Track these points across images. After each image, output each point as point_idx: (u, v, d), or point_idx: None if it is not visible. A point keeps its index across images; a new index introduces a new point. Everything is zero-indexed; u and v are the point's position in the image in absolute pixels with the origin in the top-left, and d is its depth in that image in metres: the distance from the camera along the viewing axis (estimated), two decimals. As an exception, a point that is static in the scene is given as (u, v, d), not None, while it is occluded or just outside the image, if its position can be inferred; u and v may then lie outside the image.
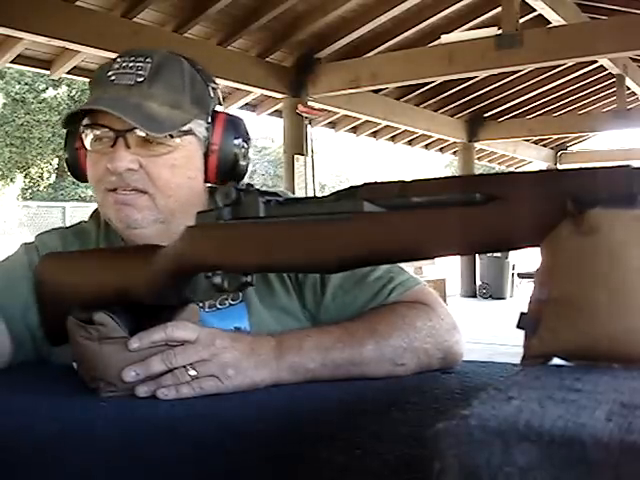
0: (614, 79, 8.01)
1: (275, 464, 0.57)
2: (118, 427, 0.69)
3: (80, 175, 1.03)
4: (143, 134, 0.94)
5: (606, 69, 7.60)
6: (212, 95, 1.02)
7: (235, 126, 1.02)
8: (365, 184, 0.66)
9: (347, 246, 0.66)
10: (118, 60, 0.98)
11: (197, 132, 0.98)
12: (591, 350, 0.44)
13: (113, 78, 0.96)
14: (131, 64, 0.96)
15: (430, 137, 9.82)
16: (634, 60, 7.53)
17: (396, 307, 0.93)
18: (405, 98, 7.92)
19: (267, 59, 5.87)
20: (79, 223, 1.13)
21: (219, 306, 1.01)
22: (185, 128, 0.97)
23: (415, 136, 9.69)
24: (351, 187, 0.67)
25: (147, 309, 0.84)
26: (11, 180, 20.64)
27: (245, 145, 1.02)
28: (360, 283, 0.97)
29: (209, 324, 0.93)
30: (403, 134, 9.45)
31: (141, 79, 0.95)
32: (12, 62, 4.82)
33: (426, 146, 10.48)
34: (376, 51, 6.23)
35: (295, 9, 5.31)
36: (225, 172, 1.01)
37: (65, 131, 1.04)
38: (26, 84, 19.71)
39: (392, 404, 0.71)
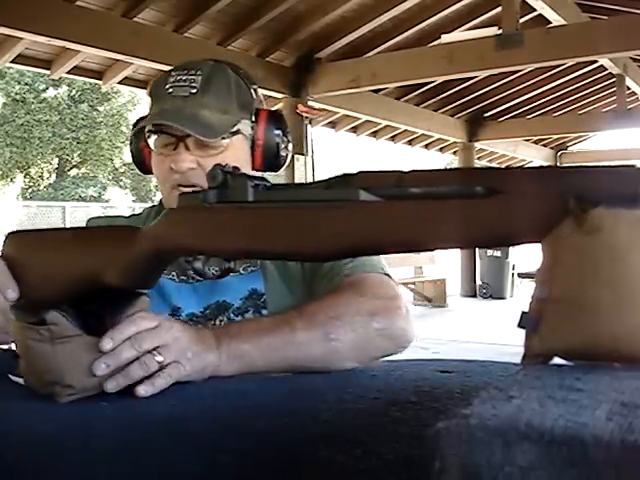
0: (614, 79, 8.01)
1: (275, 464, 0.57)
2: (117, 427, 0.68)
3: (143, 169, 1.21)
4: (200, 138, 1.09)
5: (606, 69, 7.60)
6: (254, 96, 1.17)
7: (275, 121, 1.17)
8: (360, 172, 0.64)
9: (340, 235, 0.64)
10: (173, 74, 1.13)
11: (244, 131, 1.13)
12: (592, 349, 0.44)
13: (170, 91, 1.11)
14: (185, 77, 1.11)
15: (430, 137, 9.83)
16: (634, 60, 7.53)
17: (335, 291, 0.99)
18: (405, 98, 7.92)
19: (267, 59, 5.87)
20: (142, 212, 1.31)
21: (241, 271, 1.15)
22: (234, 129, 1.12)
23: (415, 136, 9.70)
24: (345, 174, 0.65)
25: (94, 303, 0.81)
26: (11, 180, 20.65)
27: (285, 137, 1.18)
28: (335, 265, 1.07)
29: (230, 285, 1.11)
30: (403, 134, 9.46)
31: (194, 90, 1.10)
32: (12, 62, 4.82)
33: (426, 146, 10.48)
34: (376, 51, 6.23)
35: (295, 9, 5.31)
36: (269, 162, 1.17)
37: (131, 131, 1.21)
38: (26, 84, 19.72)
39: (392, 404, 0.71)
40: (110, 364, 0.76)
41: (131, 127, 1.21)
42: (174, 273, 1.17)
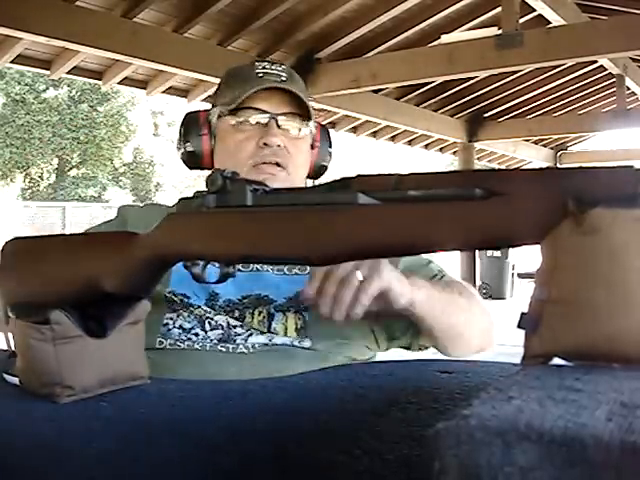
0: (614, 79, 8.01)
1: (275, 464, 0.57)
2: (118, 427, 0.68)
3: (199, 161, 1.22)
4: (287, 123, 1.16)
5: (606, 69, 7.59)
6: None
7: (327, 132, 1.26)
8: (359, 175, 0.64)
9: (340, 239, 0.64)
10: (256, 64, 1.18)
11: (312, 129, 1.20)
12: (591, 350, 0.44)
13: (261, 75, 1.16)
14: (270, 68, 1.17)
15: (430, 137, 9.81)
16: (634, 60, 7.53)
17: (457, 284, 1.13)
18: (405, 98, 7.92)
19: (267, 59, 5.86)
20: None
21: (286, 272, 1.15)
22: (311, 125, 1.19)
23: (415, 136, 9.69)
24: (343, 178, 0.65)
25: (95, 307, 0.80)
26: (11, 180, 20.64)
27: (331, 150, 1.26)
28: (423, 268, 1.16)
29: (274, 282, 1.12)
30: (403, 134, 9.45)
31: (285, 79, 1.16)
32: (12, 62, 4.81)
33: (426, 146, 10.47)
34: (376, 51, 6.23)
35: (295, 9, 5.31)
36: (319, 167, 1.24)
37: (182, 123, 1.22)
38: (26, 84, 19.70)
39: (392, 404, 0.71)
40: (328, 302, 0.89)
41: (182, 120, 1.22)
42: None
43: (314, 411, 0.71)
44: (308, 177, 1.22)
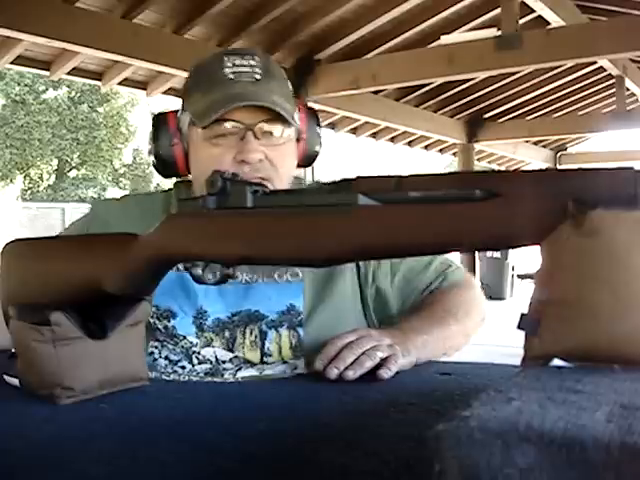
0: (614, 80, 8.01)
1: (275, 465, 0.57)
2: (117, 429, 0.68)
3: (170, 171, 1.08)
4: (267, 127, 1.01)
5: (606, 70, 7.59)
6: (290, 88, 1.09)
7: (314, 116, 1.11)
8: (359, 177, 0.64)
9: (339, 240, 0.64)
10: (225, 59, 1.04)
11: (296, 121, 1.05)
12: (592, 351, 0.44)
13: (232, 77, 1.02)
14: (242, 62, 1.03)
15: (430, 138, 9.81)
16: (634, 61, 7.53)
17: (451, 291, 1.13)
18: (405, 99, 7.91)
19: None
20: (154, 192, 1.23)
21: (277, 279, 1.08)
22: (295, 118, 1.04)
23: (415, 137, 9.69)
24: (344, 179, 0.65)
25: (95, 308, 0.81)
26: (11, 181, 20.63)
27: (320, 133, 1.12)
28: (421, 273, 1.12)
29: (265, 294, 1.05)
30: (403, 135, 9.44)
31: (259, 76, 1.02)
32: (12, 63, 4.81)
33: (426, 147, 10.47)
34: (376, 52, 6.22)
35: (295, 10, 5.31)
36: (309, 156, 1.11)
37: (152, 130, 1.08)
38: (26, 85, 19.70)
39: (392, 405, 0.71)
40: (339, 367, 0.86)
41: (152, 124, 1.07)
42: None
43: (314, 413, 0.71)
44: (299, 166, 1.11)
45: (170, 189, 1.15)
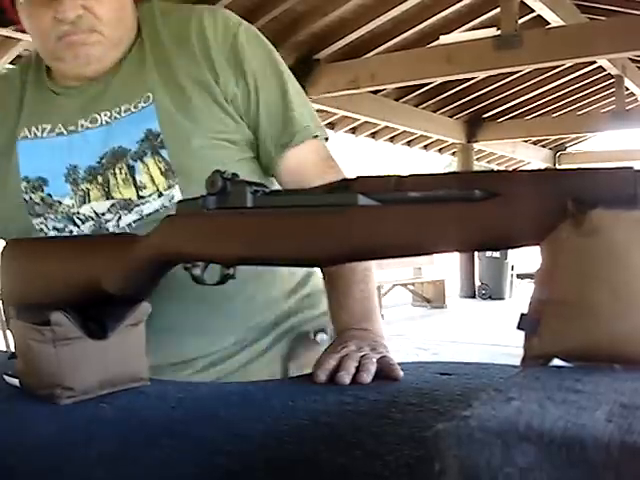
0: (613, 80, 8.02)
1: (275, 465, 0.57)
2: (117, 429, 0.69)
3: (5, 16, 1.05)
4: None
5: (605, 70, 7.61)
6: None
7: None
8: (359, 177, 0.64)
9: (340, 240, 0.64)
10: None
11: None
12: (591, 351, 0.44)
13: None
14: None
15: (429, 138, 9.83)
16: (633, 61, 7.54)
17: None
18: (404, 99, 7.93)
19: None
20: None
21: (133, 110, 1.05)
22: None
23: (414, 137, 9.71)
24: (344, 180, 0.66)
25: (95, 309, 0.81)
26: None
27: None
28: (286, 118, 1.09)
29: (123, 128, 1.04)
30: (402, 135, 9.46)
31: None
32: (11, 63, 4.82)
33: (425, 147, 10.49)
34: (375, 52, 6.24)
35: (294, 10, 5.31)
36: None
37: None
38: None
39: (392, 405, 0.71)
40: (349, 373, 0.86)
41: None
42: (60, 125, 1.08)
43: (314, 413, 0.71)
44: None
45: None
